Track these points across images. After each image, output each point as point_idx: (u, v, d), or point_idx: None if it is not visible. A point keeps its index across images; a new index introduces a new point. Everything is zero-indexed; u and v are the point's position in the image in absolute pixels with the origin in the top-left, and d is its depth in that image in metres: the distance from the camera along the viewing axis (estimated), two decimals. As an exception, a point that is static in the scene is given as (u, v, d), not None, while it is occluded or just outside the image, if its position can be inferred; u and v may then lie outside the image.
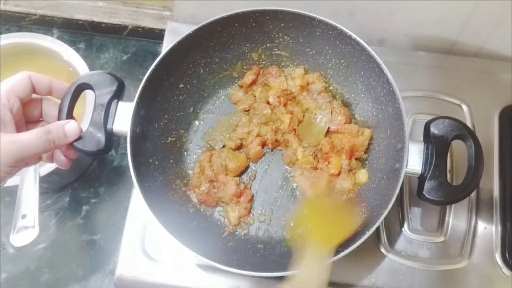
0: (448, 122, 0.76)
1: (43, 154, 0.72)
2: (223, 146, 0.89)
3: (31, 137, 0.66)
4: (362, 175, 0.86)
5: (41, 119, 0.76)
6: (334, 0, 0.93)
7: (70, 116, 0.73)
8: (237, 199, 0.85)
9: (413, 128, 0.94)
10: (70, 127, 0.71)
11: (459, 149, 0.87)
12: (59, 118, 0.73)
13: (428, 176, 0.73)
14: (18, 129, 0.69)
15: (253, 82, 0.93)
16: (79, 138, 0.73)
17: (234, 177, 0.86)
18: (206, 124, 0.92)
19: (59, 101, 0.74)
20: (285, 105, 0.90)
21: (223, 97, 0.94)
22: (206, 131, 0.91)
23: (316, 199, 0.82)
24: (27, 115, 0.73)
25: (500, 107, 0.96)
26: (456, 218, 0.88)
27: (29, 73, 0.71)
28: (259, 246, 0.83)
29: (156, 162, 0.83)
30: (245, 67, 0.94)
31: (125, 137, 0.76)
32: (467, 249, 0.86)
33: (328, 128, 0.88)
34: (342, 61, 0.87)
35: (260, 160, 0.90)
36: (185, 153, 0.90)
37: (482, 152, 0.74)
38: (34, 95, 0.72)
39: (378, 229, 0.86)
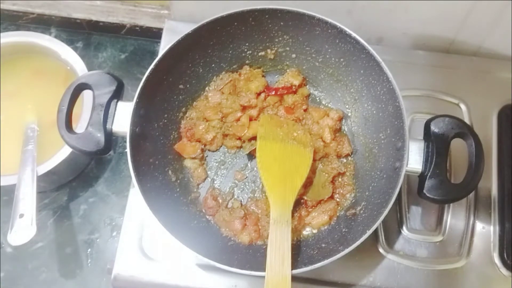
0: (448, 120, 0.76)
1: None
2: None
3: None
4: None
5: None
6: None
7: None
8: (244, 226, 0.84)
9: (411, 127, 0.94)
10: None
11: (457, 148, 0.87)
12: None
13: (429, 174, 0.73)
14: None
15: None
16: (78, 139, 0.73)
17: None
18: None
19: None
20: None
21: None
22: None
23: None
24: None
25: (498, 106, 0.96)
26: (454, 218, 0.88)
27: None
28: (259, 245, 0.83)
29: (156, 162, 0.83)
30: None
31: (123, 137, 0.76)
32: (465, 248, 0.86)
33: None
34: (341, 59, 0.87)
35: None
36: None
37: (482, 150, 0.74)
38: None
39: (376, 228, 0.86)
